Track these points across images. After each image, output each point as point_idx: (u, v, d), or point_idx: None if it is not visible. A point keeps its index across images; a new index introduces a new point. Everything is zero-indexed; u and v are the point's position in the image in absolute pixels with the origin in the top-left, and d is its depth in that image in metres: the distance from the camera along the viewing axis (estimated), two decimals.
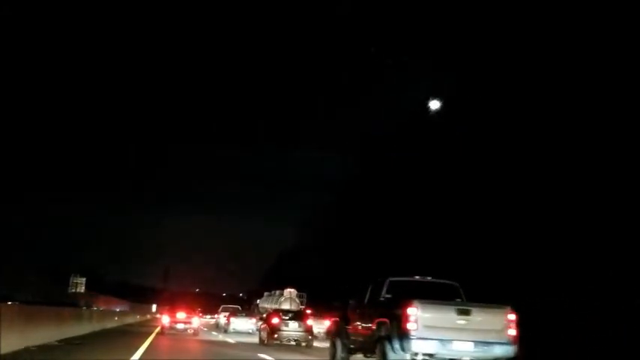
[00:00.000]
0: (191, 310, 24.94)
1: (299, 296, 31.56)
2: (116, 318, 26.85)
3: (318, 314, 27.27)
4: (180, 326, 22.64)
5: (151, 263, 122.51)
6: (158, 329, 24.41)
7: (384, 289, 10.25)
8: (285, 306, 30.61)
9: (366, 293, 10.93)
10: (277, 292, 33.21)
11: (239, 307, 38.54)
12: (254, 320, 28.73)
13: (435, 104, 23.53)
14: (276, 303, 31.63)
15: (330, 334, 12.81)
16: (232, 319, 29.29)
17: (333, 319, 12.54)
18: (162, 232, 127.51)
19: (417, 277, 10.52)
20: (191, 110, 65.67)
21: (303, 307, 31.18)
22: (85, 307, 33.02)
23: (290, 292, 31.20)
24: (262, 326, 20.40)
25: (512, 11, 24.22)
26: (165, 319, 23.41)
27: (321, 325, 25.65)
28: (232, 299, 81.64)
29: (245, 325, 28.60)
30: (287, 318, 19.16)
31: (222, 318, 33.45)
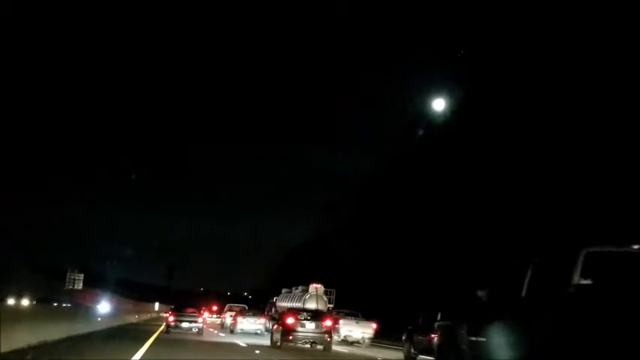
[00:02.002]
0: (196, 308, 24.11)
1: (327, 293, 26.83)
2: (99, 319, 20.81)
3: (357, 315, 22.31)
4: (185, 325, 21.68)
5: (155, 261, 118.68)
6: (160, 329, 22.92)
7: (577, 270, 5.42)
8: (311, 305, 25.95)
9: (521, 279, 6.11)
10: (300, 288, 28.59)
11: (246, 306, 34.62)
12: (263, 320, 26.55)
13: (439, 104, 21.62)
14: (298, 301, 26.95)
15: (433, 347, 7.95)
16: (239, 319, 26.56)
17: (440, 323, 7.69)
18: (167, 230, 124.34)
19: (636, 246, 5.67)
20: (195, 111, 63.50)
21: (331, 305, 26.53)
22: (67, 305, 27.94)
23: (316, 288, 26.48)
24: (275, 327, 18.42)
25: (512, 12, 23.70)
26: (170, 318, 22.60)
27: (365, 330, 20.93)
28: (237, 298, 78.21)
29: (252, 325, 25.94)
30: (303, 318, 16.97)
31: (228, 318, 30.75)
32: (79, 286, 71.66)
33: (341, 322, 20.86)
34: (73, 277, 72.61)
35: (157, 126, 67.35)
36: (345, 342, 20.95)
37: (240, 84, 51.68)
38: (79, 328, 15.22)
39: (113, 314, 25.49)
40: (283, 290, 31.30)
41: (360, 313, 22.03)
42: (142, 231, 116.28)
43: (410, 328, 14.96)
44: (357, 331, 20.62)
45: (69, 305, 24.35)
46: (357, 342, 20.74)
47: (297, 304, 26.66)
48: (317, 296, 26.08)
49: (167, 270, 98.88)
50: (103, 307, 23.02)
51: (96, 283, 70.59)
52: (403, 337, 15.11)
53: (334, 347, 19.04)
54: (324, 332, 16.59)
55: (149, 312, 60.78)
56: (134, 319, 34.74)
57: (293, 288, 29.72)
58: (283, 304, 29.01)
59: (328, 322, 17.36)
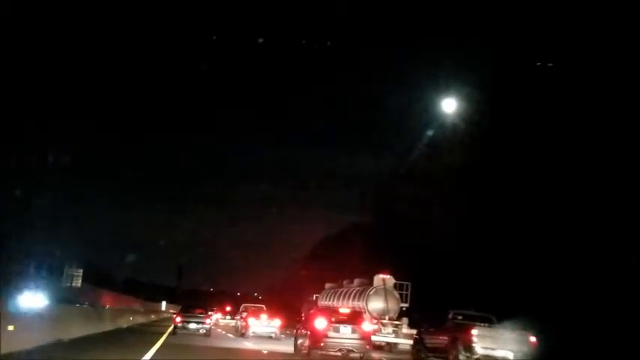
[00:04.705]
0: (203, 309, 23.59)
1: (397, 287, 20.02)
2: (9, 327, 7.48)
3: (491, 320, 14.43)
4: (192, 326, 21.40)
5: (163, 261, 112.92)
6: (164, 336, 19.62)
7: None
8: (377, 304, 19.39)
9: None
10: (356, 281, 21.90)
11: (263, 306, 30.04)
12: (277, 322, 23.70)
13: (450, 105, 19.19)
14: (357, 299, 20.32)
15: None
16: (250, 321, 23.84)
17: None
18: (177, 229, 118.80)
19: None
20: (203, 110, 59.48)
21: (405, 305, 19.81)
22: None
23: (384, 280, 19.59)
24: (300, 331, 15.91)
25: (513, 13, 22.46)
26: (177, 318, 22.48)
27: (518, 346, 12.88)
28: (249, 299, 73.19)
29: (265, 328, 23.40)
30: (337, 320, 14.48)
31: (240, 320, 28.39)
32: (78, 283, 65.93)
33: (475, 332, 13.18)
34: (71, 274, 66.82)
35: (166, 124, 63.61)
36: None
37: (245, 83, 48.50)
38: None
39: (63, 315, 13.46)
40: (327, 285, 24.74)
41: (494, 317, 14.43)
42: (150, 230, 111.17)
43: None
44: (504, 347, 12.94)
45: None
46: None
47: (357, 303, 20.09)
48: (385, 291, 19.35)
49: (176, 269, 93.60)
50: (30, 300, 11.52)
51: (103, 283, 65.29)
52: None
53: None
54: (362, 338, 14.42)
55: (154, 312, 54.15)
56: (127, 321, 27.79)
57: (345, 282, 23.10)
58: (330, 302, 22.49)
59: (366, 327, 15.17)
